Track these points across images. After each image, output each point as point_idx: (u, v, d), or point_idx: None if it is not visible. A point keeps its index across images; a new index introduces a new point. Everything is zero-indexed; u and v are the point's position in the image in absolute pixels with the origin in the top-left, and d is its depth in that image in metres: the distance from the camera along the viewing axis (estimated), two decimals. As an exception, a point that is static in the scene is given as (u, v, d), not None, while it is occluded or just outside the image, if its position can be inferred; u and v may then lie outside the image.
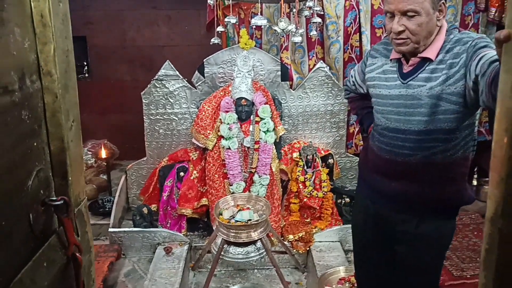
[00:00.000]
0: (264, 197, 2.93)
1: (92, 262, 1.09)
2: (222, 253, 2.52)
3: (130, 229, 3.05)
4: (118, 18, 4.23)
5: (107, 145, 3.94)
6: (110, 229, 3.00)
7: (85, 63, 4.38)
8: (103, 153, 3.71)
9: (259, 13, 2.13)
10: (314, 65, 3.39)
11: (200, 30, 4.21)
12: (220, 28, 2.91)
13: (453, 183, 1.65)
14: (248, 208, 2.64)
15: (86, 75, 4.41)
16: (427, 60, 1.57)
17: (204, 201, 3.10)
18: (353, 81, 1.98)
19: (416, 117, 1.59)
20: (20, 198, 0.82)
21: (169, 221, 3.19)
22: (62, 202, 0.91)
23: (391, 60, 1.68)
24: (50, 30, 0.90)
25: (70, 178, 0.97)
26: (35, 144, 0.89)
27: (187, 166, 3.22)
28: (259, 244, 2.55)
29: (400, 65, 1.65)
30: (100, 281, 2.51)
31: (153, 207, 3.25)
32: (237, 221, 2.52)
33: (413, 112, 1.59)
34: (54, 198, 0.91)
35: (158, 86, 3.22)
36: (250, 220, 2.52)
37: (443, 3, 1.52)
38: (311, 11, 2.43)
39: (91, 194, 3.52)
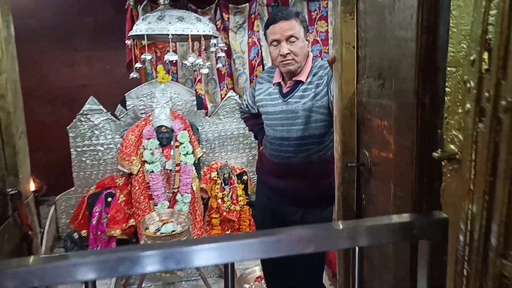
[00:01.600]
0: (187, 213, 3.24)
1: (39, 245, 1.38)
2: (150, 263, 2.78)
3: (62, 254, 3.21)
4: (37, 60, 4.33)
5: (35, 179, 4.05)
6: (42, 256, 3.13)
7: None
8: (32, 186, 3.82)
9: (171, 50, 2.51)
10: (225, 94, 3.80)
11: (120, 69, 4.47)
12: (138, 65, 3.24)
13: (327, 177, 2.02)
14: (171, 222, 2.95)
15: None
16: (300, 82, 2.03)
17: (132, 222, 3.35)
18: (246, 104, 2.42)
19: (295, 126, 2.02)
20: (-13, 186, 1.12)
21: (100, 245, 3.38)
22: (16, 191, 1.22)
23: (274, 84, 2.14)
24: (3, 64, 1.22)
25: (20, 176, 1.28)
26: (-6, 148, 1.20)
27: (114, 192, 3.46)
28: (183, 252, 2.85)
29: (281, 87, 2.10)
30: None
31: (83, 232, 3.43)
32: (163, 233, 2.82)
33: (293, 123, 2.02)
34: (10, 189, 1.21)
35: (84, 120, 3.48)
36: (174, 231, 2.82)
37: (308, 35, 2.02)
38: (216, 47, 2.86)
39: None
